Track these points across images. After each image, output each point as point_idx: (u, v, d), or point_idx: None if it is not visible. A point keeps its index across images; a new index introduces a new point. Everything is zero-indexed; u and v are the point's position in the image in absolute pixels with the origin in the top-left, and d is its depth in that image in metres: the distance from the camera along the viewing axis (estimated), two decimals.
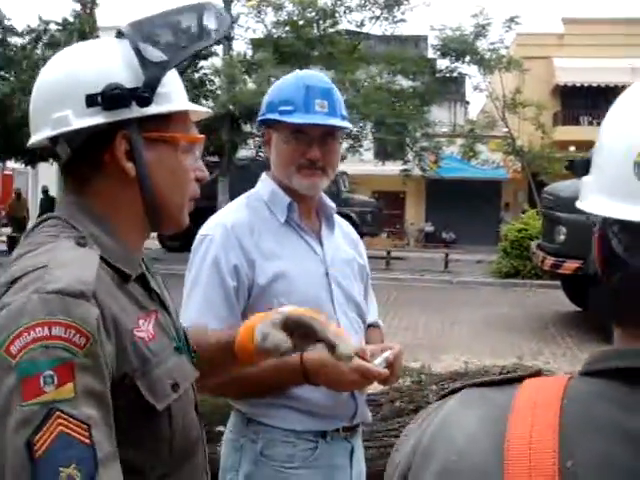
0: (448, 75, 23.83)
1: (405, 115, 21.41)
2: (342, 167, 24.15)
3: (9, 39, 21.09)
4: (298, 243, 2.18)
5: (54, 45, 18.37)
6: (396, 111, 21.20)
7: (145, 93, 1.29)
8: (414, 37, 27.64)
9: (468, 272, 19.73)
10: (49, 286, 1.12)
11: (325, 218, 2.30)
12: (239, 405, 2.14)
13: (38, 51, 20.06)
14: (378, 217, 24.57)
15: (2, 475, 1.06)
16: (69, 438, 1.05)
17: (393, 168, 24.52)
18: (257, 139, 19.89)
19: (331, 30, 21.59)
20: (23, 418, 1.05)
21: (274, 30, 21.86)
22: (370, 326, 2.42)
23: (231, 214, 2.19)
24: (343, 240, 2.35)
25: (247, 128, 20.78)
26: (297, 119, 2.11)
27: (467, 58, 22.49)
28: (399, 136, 21.89)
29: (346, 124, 2.22)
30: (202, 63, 22.17)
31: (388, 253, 21.69)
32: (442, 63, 23.63)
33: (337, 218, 2.37)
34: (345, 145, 22.43)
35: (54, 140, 1.34)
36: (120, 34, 1.35)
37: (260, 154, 19.79)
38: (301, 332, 1.58)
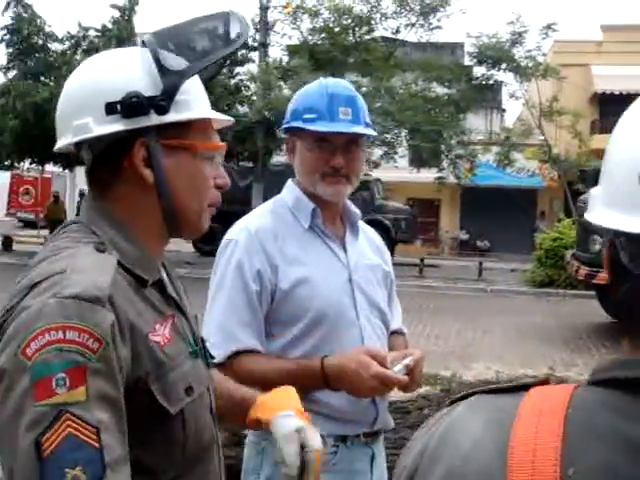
0: (484, 82, 23.69)
1: (440, 122, 21.34)
2: (376, 174, 24.21)
3: (49, 45, 21.42)
4: (322, 249, 2.19)
5: (93, 51, 18.58)
6: (431, 118, 21.14)
7: (163, 101, 1.31)
8: (450, 44, 27.55)
9: (502, 281, 19.58)
10: (66, 291, 1.15)
11: (349, 224, 2.31)
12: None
13: (77, 57, 20.29)
14: (412, 224, 24.49)
15: (13, 473, 1.08)
16: (77, 440, 1.07)
17: (428, 175, 24.44)
18: None
19: (367, 37, 21.61)
20: (34, 418, 1.07)
21: (310, 37, 21.93)
22: (394, 333, 2.41)
23: (256, 219, 2.21)
24: (368, 246, 2.36)
25: (282, 134, 20.84)
26: (321, 127, 2.12)
27: (503, 65, 22.37)
28: (434, 143, 21.82)
29: (370, 131, 2.22)
30: (238, 69, 22.35)
31: (421, 261, 21.60)
32: (478, 70, 23.55)
33: (362, 224, 2.38)
34: (379, 152, 22.43)
35: (78, 146, 1.37)
36: (144, 43, 1.37)
37: None
38: None
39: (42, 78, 20.73)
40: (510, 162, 24.24)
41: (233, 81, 22.14)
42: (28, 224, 28.36)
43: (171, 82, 1.32)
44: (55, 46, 21.39)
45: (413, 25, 22.10)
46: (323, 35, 21.52)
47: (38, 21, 21.12)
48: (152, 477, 1.27)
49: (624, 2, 42.27)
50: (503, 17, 29.56)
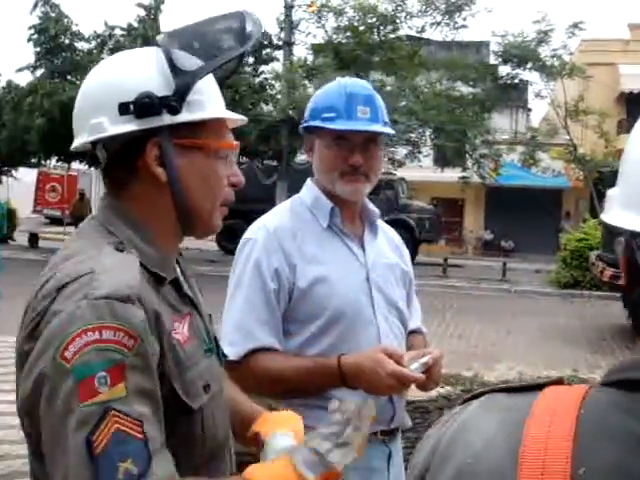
0: (509, 82, 23.52)
1: (465, 122, 21.24)
2: (401, 173, 24.17)
3: (76, 44, 21.62)
4: (340, 247, 2.20)
5: (119, 50, 18.65)
6: (456, 117, 21.05)
7: (175, 101, 1.32)
8: (475, 43, 27.41)
9: (526, 281, 19.47)
10: (97, 292, 1.17)
11: (368, 223, 2.32)
12: (275, 405, 2.17)
13: (103, 56, 20.43)
14: (436, 224, 24.42)
15: (66, 473, 1.11)
16: (124, 435, 1.11)
17: (452, 175, 24.36)
18: None
19: (391, 36, 21.54)
20: (81, 418, 1.11)
21: (335, 35, 21.91)
22: (414, 332, 2.41)
23: (274, 218, 2.22)
24: (386, 245, 2.36)
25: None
26: (339, 125, 2.13)
27: (529, 64, 22.21)
28: (458, 143, 21.72)
29: (388, 130, 2.22)
30: (263, 68, 22.41)
31: (445, 260, 21.53)
32: (503, 69, 23.38)
33: (381, 223, 2.38)
34: (404, 151, 22.37)
35: (94, 145, 1.39)
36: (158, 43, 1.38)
37: None
38: None
39: (69, 77, 20.93)
40: (535, 162, 24.08)
41: (258, 80, 22.20)
42: (54, 221, 28.58)
43: (183, 82, 1.32)
44: (82, 45, 21.62)
45: (438, 24, 22.01)
46: (348, 34, 21.48)
47: (65, 20, 21.35)
48: None
49: None
50: (529, 16, 29.26)
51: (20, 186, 27.46)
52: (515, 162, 25.25)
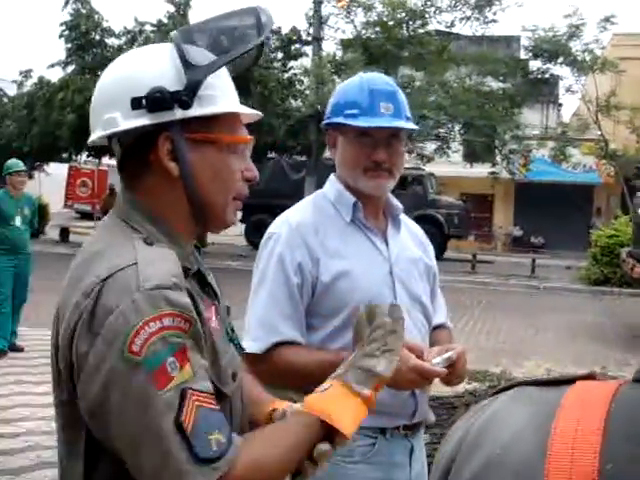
0: (540, 77, 23.33)
1: (494, 117, 21.12)
2: (429, 169, 24.08)
3: (106, 40, 21.81)
4: (363, 242, 2.20)
5: None
6: (485, 113, 20.93)
7: (186, 96, 1.33)
8: (506, 38, 27.22)
9: (556, 278, 19.34)
10: (147, 283, 1.20)
11: (391, 218, 2.32)
12: (298, 398, 2.18)
13: None
14: (465, 219, 24.33)
15: (161, 461, 1.15)
16: (205, 410, 1.19)
17: (481, 170, 24.22)
18: None
19: (421, 31, 21.46)
20: (165, 405, 1.16)
21: (364, 31, 21.87)
22: (439, 327, 2.41)
23: (297, 213, 2.23)
24: (410, 240, 2.36)
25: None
26: (362, 122, 2.13)
27: (560, 59, 22.01)
28: (488, 138, 21.61)
29: (411, 125, 2.22)
30: (292, 63, 22.42)
31: (474, 256, 21.43)
32: (534, 64, 23.21)
33: (405, 218, 2.38)
34: (433, 147, 22.29)
35: (110, 140, 1.41)
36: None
37: None
38: None
39: (99, 73, 20.92)
40: (566, 157, 23.87)
41: (286, 75, 22.23)
42: (85, 216, 28.87)
43: (195, 77, 1.33)
44: (112, 41, 21.79)
45: (468, 18, 21.89)
46: (377, 29, 21.44)
47: (96, 17, 21.53)
48: None
49: None
50: (560, 10, 28.92)
51: (51, 181, 27.74)
52: (545, 158, 25.07)
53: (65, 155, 24.60)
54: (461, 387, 5.63)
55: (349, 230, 2.20)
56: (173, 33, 1.39)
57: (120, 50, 20.92)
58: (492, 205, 32.44)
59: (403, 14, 21.07)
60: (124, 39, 21.48)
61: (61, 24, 21.55)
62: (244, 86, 19.12)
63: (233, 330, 1.52)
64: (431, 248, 2.46)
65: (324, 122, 2.27)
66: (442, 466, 0.93)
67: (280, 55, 22.63)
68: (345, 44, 22.65)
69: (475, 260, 21.21)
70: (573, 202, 28.69)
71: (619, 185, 24.24)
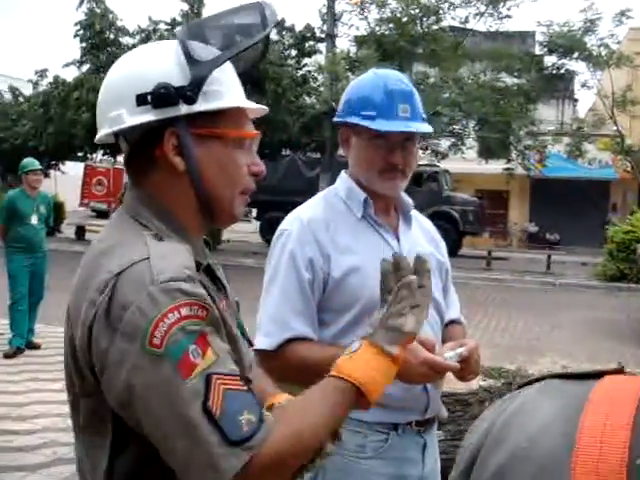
0: (555, 72, 23.20)
1: (509, 113, 21.02)
2: (444, 165, 24.02)
3: (121, 39, 21.89)
4: (374, 238, 2.20)
5: None
6: (500, 109, 20.84)
7: (190, 91, 1.34)
8: (520, 33, 27.07)
9: (571, 274, 19.25)
10: (161, 277, 1.21)
11: (403, 214, 2.32)
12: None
13: None
14: (480, 216, 24.26)
15: (194, 447, 1.17)
16: (232, 391, 1.19)
17: (496, 167, 24.13)
18: None
19: (435, 27, 21.37)
20: (192, 392, 1.17)
21: (377, 27, 21.80)
22: (452, 323, 2.41)
23: (308, 210, 2.24)
24: (422, 236, 2.36)
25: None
26: (380, 126, 2.12)
27: (575, 54, 21.88)
28: (502, 134, 21.52)
29: (427, 127, 2.21)
30: (306, 60, 22.40)
31: (489, 253, 21.37)
32: (549, 60, 23.08)
33: (417, 214, 2.39)
34: (447, 143, 22.23)
35: (117, 136, 1.42)
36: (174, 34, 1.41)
37: None
38: None
39: None
40: (581, 153, 23.73)
41: (300, 72, 22.22)
42: (100, 214, 28.98)
43: (199, 72, 1.34)
44: (126, 40, 21.85)
45: (482, 14, 21.77)
46: (391, 25, 21.36)
47: (110, 16, 21.62)
48: None
49: None
50: (575, 4, 28.72)
51: (67, 180, 27.91)
52: (561, 153, 24.94)
53: (80, 154, 24.73)
54: (476, 384, 5.61)
55: (360, 226, 2.21)
56: (178, 29, 1.40)
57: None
58: (507, 201, 32.30)
59: (417, 10, 20.99)
60: (138, 38, 21.54)
61: (76, 23, 21.67)
62: (258, 84, 19.15)
63: (243, 326, 1.53)
64: (443, 244, 2.46)
65: (337, 119, 2.26)
66: (467, 457, 0.93)
67: (294, 52, 22.62)
68: (359, 41, 22.59)
69: (490, 257, 21.14)
70: (589, 198, 28.54)
71: (635, 181, 24.10)
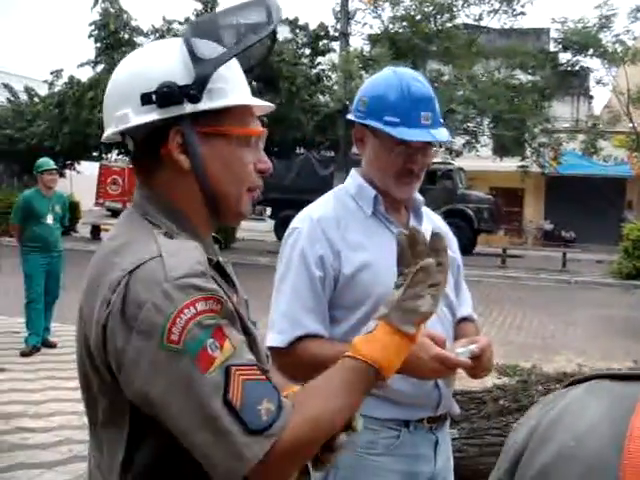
0: (570, 69, 23.08)
1: (523, 110, 20.93)
2: (458, 163, 23.94)
3: (135, 39, 21.94)
4: (384, 234, 2.20)
5: None
6: (514, 106, 20.76)
7: (194, 90, 1.34)
8: (535, 30, 26.95)
9: (587, 272, 19.15)
10: (175, 273, 1.22)
11: (413, 211, 2.33)
12: None
13: None
14: (495, 214, 24.16)
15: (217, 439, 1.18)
16: (250, 382, 1.21)
17: (511, 164, 24.03)
18: None
19: (448, 24, 21.31)
20: (212, 386, 1.18)
21: (391, 25, 21.78)
22: (464, 319, 2.40)
23: (319, 208, 2.24)
24: None
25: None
26: (404, 135, 2.12)
27: (590, 51, 21.75)
28: (517, 132, 21.42)
29: (446, 134, 2.22)
30: (319, 59, 22.41)
31: (504, 251, 21.31)
32: (563, 57, 22.96)
33: (427, 211, 2.39)
34: (462, 141, 22.16)
35: (124, 136, 1.42)
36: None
37: None
38: None
39: None
40: (597, 150, 23.59)
41: (314, 71, 22.22)
42: (115, 213, 29.03)
43: (203, 71, 1.34)
44: (140, 40, 21.89)
45: (496, 11, 21.69)
46: (404, 23, 21.33)
47: (124, 16, 21.70)
48: None
49: None
50: (590, 1, 28.48)
51: (82, 179, 27.98)
52: (576, 151, 24.80)
53: (96, 153, 24.84)
54: (490, 382, 5.60)
55: (370, 223, 2.21)
56: (180, 27, 1.40)
57: None
58: (522, 199, 32.18)
59: (430, 8, 20.93)
60: (152, 37, 21.59)
61: (90, 24, 21.77)
62: (272, 82, 19.17)
63: (254, 323, 1.54)
64: (455, 241, 2.45)
65: (357, 120, 2.25)
66: (511, 456, 0.93)
67: (308, 51, 22.63)
68: (373, 39, 22.57)
69: (505, 254, 21.08)
70: (604, 195, 28.38)
71: None
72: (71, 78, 22.74)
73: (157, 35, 21.39)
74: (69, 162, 26.30)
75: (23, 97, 25.96)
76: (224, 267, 1.45)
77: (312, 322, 2.10)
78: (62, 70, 24.51)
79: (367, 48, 22.64)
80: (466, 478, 3.59)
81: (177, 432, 1.21)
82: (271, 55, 1.55)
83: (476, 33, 22.10)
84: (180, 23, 21.20)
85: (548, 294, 15.48)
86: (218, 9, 20.95)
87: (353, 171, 2.34)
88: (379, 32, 22.21)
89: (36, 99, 25.22)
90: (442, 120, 2.24)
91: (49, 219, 8.40)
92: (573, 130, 25.34)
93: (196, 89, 1.34)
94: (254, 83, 17.60)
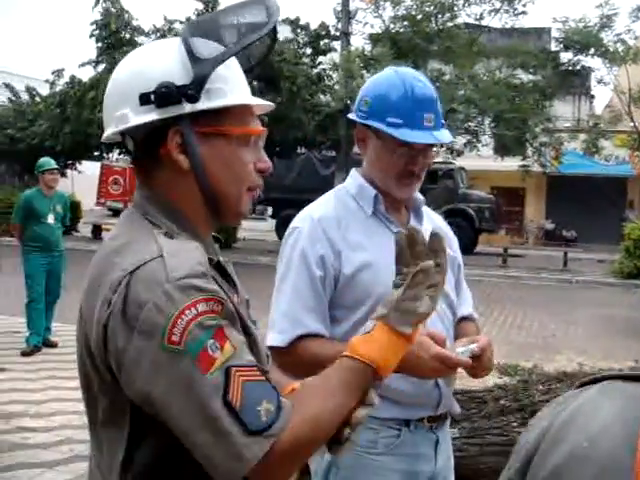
0: (571, 68, 23.06)
1: (525, 110, 20.93)
2: (459, 162, 23.94)
3: (136, 39, 21.96)
4: (385, 234, 2.19)
5: None
6: (515, 106, 20.75)
7: (193, 90, 1.33)
8: (536, 29, 26.94)
9: (588, 272, 19.14)
10: (176, 274, 1.22)
11: (414, 210, 2.33)
12: None
13: None
14: (496, 213, 24.17)
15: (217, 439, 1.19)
16: (250, 383, 1.22)
17: (512, 164, 24.03)
18: None
19: (450, 24, 21.32)
20: (212, 386, 1.19)
21: (392, 25, 21.77)
22: (465, 319, 2.40)
23: (319, 207, 2.24)
24: None
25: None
26: (407, 137, 2.12)
27: (591, 51, 21.73)
28: (518, 131, 21.41)
29: (449, 135, 2.22)
30: (320, 58, 22.41)
31: (505, 250, 21.30)
32: (565, 56, 22.94)
33: (428, 210, 2.39)
34: (463, 140, 22.15)
35: (124, 136, 1.42)
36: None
37: None
38: None
39: None
40: (598, 150, 23.58)
41: (315, 70, 22.23)
42: (117, 213, 29.06)
43: (201, 70, 1.34)
44: (142, 39, 21.91)
45: (497, 11, 21.69)
46: (405, 23, 21.33)
47: (126, 16, 21.71)
48: None
49: None
50: (591, 0, 28.50)
51: (84, 179, 28.03)
52: (577, 150, 24.79)
53: (97, 153, 24.85)
54: (491, 381, 5.60)
55: (371, 223, 2.22)
56: (181, 27, 1.40)
57: None
58: (523, 199, 32.17)
59: (431, 7, 20.93)
60: (153, 37, 21.60)
61: (91, 23, 21.79)
62: (273, 82, 19.18)
63: (254, 322, 1.54)
64: (455, 240, 2.45)
65: (359, 120, 2.24)
66: (522, 456, 0.93)
67: (309, 51, 22.64)
68: (374, 38, 22.57)
69: (506, 254, 21.08)
70: (606, 195, 28.37)
71: None
72: (72, 78, 22.76)
73: (158, 35, 21.40)
74: (70, 162, 26.32)
75: (24, 97, 25.99)
76: (225, 267, 1.44)
77: (313, 321, 2.10)
78: (63, 70, 24.56)
79: (368, 47, 22.63)
80: (466, 477, 3.59)
81: (178, 432, 1.21)
82: (272, 55, 1.55)
83: (477, 32, 22.09)
84: (181, 23, 21.18)
85: (549, 293, 15.48)
86: (219, 8, 21.03)
87: (353, 171, 2.34)
88: (380, 31, 22.20)
89: (37, 99, 25.25)
90: (444, 121, 2.24)
91: (50, 219, 8.40)
92: (574, 130, 25.34)
93: (194, 89, 1.33)
94: (255, 83, 17.61)
